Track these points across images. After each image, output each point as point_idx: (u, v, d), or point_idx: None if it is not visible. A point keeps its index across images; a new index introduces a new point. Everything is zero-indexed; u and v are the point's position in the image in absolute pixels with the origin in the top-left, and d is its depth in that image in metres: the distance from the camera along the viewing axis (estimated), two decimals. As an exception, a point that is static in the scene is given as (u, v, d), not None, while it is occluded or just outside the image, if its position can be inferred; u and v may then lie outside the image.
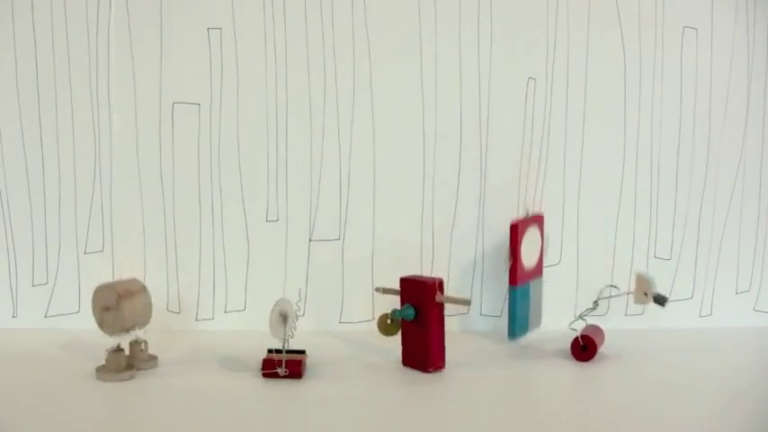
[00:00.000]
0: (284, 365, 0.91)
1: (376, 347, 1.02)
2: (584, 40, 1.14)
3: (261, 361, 0.92)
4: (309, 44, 1.12)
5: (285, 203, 1.14)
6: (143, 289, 0.97)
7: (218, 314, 1.14)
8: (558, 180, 1.15)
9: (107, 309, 0.93)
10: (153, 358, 0.98)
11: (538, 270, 1.09)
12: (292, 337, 0.94)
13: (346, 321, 1.13)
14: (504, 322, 1.10)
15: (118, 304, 0.92)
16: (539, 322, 1.10)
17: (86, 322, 1.12)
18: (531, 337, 1.07)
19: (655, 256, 1.16)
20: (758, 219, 1.17)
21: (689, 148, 1.16)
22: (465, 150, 1.14)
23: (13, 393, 0.88)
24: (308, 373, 0.94)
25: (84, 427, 0.79)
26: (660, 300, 1.01)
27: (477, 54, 1.14)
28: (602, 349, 1.00)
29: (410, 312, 0.95)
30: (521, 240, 1.04)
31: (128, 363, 0.93)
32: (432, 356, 0.94)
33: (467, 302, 0.98)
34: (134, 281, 0.98)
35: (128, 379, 0.92)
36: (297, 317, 0.92)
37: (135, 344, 0.96)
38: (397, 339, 0.97)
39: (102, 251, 1.14)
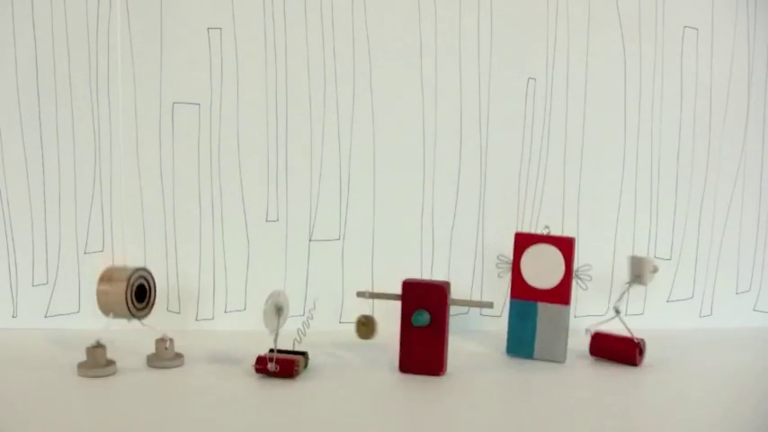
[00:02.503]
0: (275, 360, 0.91)
1: (376, 348, 1.02)
2: (584, 40, 1.14)
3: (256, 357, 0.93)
4: (309, 44, 1.12)
5: (285, 203, 1.14)
6: (123, 278, 0.97)
7: (218, 314, 1.14)
8: (558, 180, 1.15)
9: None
10: (179, 356, 0.98)
11: (557, 296, 1.00)
12: (300, 342, 0.94)
13: (346, 321, 1.13)
14: (503, 323, 1.10)
15: (97, 284, 0.96)
16: (558, 357, 1.01)
17: (87, 322, 1.13)
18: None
19: (655, 256, 1.16)
20: (758, 219, 1.17)
21: (689, 147, 1.16)
22: (465, 150, 1.14)
23: (13, 393, 0.88)
24: (308, 373, 0.94)
25: (84, 426, 0.79)
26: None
27: (477, 54, 1.14)
28: None
29: (426, 318, 0.92)
30: (522, 252, 1.01)
31: (108, 359, 0.94)
32: (443, 360, 0.93)
33: (489, 305, 0.94)
34: (124, 270, 0.98)
35: (108, 375, 0.92)
36: (309, 324, 0.94)
37: (160, 342, 0.97)
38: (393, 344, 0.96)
39: (102, 251, 1.14)
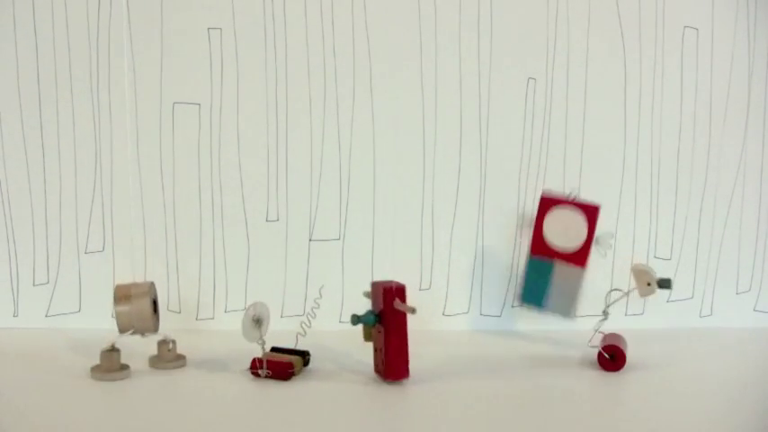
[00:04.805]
0: (265, 367, 0.91)
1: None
2: (584, 40, 1.14)
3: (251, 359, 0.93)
4: (309, 44, 1.13)
5: (285, 203, 1.14)
6: (143, 294, 0.96)
7: (219, 314, 1.14)
8: (558, 180, 1.15)
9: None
10: (181, 357, 0.98)
11: (576, 258, 1.02)
12: (304, 335, 0.94)
13: (346, 321, 1.13)
14: (503, 322, 1.11)
15: (114, 306, 0.94)
16: (568, 313, 1.03)
17: (87, 322, 1.13)
18: (536, 335, 1.07)
19: (655, 257, 1.16)
20: (758, 219, 1.17)
21: (689, 147, 1.16)
22: (465, 150, 1.14)
23: (13, 393, 0.88)
24: (307, 373, 0.94)
25: (84, 426, 0.79)
26: (665, 283, 0.99)
27: (477, 54, 1.14)
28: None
29: (370, 318, 0.90)
30: (547, 213, 1.02)
31: (122, 364, 0.93)
32: (390, 365, 0.89)
33: (412, 311, 0.89)
34: (139, 285, 0.97)
35: (121, 379, 0.92)
36: (314, 314, 0.94)
37: (162, 343, 0.97)
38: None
39: (102, 251, 1.14)
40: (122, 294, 0.96)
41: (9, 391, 0.88)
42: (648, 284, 0.98)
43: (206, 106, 1.13)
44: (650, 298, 1.09)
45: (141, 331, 0.95)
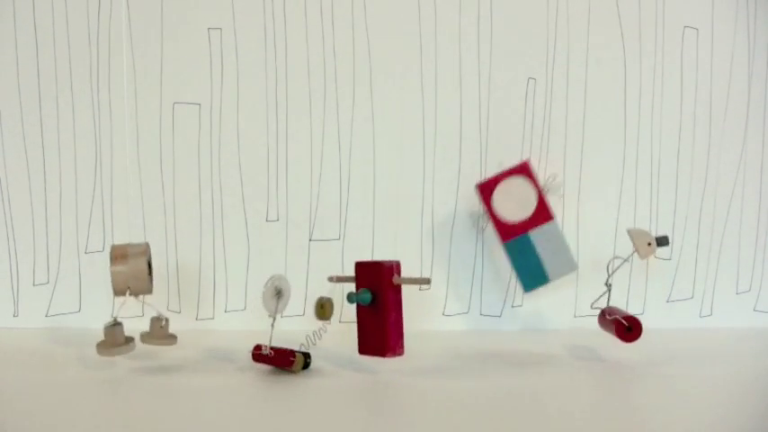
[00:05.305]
0: (269, 348, 0.91)
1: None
2: (584, 40, 1.14)
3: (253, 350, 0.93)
4: (309, 44, 1.13)
5: (285, 203, 1.14)
6: (139, 254, 0.94)
7: (219, 313, 1.14)
8: (558, 180, 1.15)
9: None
10: (172, 336, 0.96)
11: (541, 217, 1.06)
12: (307, 347, 0.94)
13: (346, 321, 1.13)
14: (503, 322, 1.11)
15: (111, 265, 0.93)
16: (570, 266, 1.06)
17: (87, 322, 1.13)
18: (536, 335, 1.08)
19: (655, 257, 1.16)
20: (759, 218, 1.17)
21: (689, 147, 1.16)
22: (465, 150, 1.14)
23: (13, 392, 0.88)
24: (307, 373, 0.94)
25: (84, 426, 0.79)
26: (663, 240, 0.99)
27: (477, 54, 1.14)
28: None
29: (366, 297, 0.91)
30: (491, 197, 1.05)
31: (126, 336, 0.93)
32: (389, 342, 0.91)
33: (427, 281, 0.93)
34: (135, 245, 0.96)
35: (126, 352, 0.91)
36: (321, 335, 0.95)
37: (156, 320, 0.96)
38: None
39: (102, 251, 1.14)
40: (119, 254, 0.93)
41: (9, 391, 0.88)
42: (649, 244, 0.98)
43: (206, 106, 1.13)
44: (650, 297, 1.09)
45: (137, 292, 0.93)
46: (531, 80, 1.14)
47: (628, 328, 0.96)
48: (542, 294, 1.12)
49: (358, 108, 1.13)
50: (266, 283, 0.92)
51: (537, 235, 1.06)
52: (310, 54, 1.13)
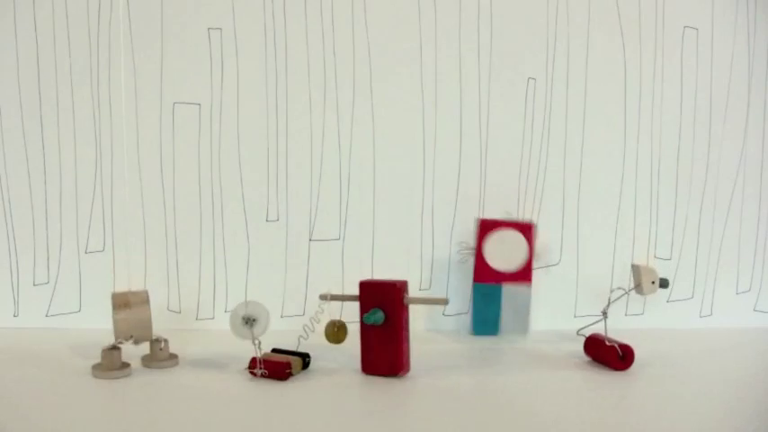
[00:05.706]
0: (261, 365, 0.91)
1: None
2: (584, 41, 1.14)
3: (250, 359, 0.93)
4: (309, 44, 1.13)
5: (285, 203, 1.14)
6: (142, 302, 0.96)
7: (219, 313, 1.14)
8: (558, 180, 1.15)
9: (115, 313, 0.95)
10: (173, 357, 0.98)
11: (521, 276, 1.07)
12: (306, 338, 0.94)
13: (346, 321, 1.13)
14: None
15: (114, 313, 0.94)
16: (524, 329, 1.08)
17: (87, 321, 1.13)
18: (536, 335, 1.08)
19: (655, 257, 1.16)
20: (758, 219, 1.17)
21: (689, 147, 1.16)
22: (465, 150, 1.14)
23: (14, 392, 0.88)
24: (307, 373, 0.94)
25: (84, 425, 0.79)
26: (664, 283, 1.01)
27: (477, 54, 1.14)
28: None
29: (380, 316, 0.90)
30: (486, 238, 1.06)
31: (123, 362, 0.94)
32: (401, 360, 0.91)
33: (444, 302, 0.92)
34: (136, 293, 0.98)
35: (122, 377, 0.92)
36: (318, 319, 0.93)
37: (155, 343, 0.97)
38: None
39: (102, 251, 1.14)
40: (121, 302, 0.96)
41: (9, 391, 0.88)
42: (653, 283, 0.99)
43: (206, 106, 1.13)
44: (650, 297, 1.09)
45: (140, 340, 0.96)
46: (531, 80, 1.14)
47: (621, 356, 0.96)
48: (530, 304, 1.11)
49: (358, 108, 1.13)
50: (234, 310, 0.91)
51: (509, 290, 1.07)
52: (310, 54, 1.13)
